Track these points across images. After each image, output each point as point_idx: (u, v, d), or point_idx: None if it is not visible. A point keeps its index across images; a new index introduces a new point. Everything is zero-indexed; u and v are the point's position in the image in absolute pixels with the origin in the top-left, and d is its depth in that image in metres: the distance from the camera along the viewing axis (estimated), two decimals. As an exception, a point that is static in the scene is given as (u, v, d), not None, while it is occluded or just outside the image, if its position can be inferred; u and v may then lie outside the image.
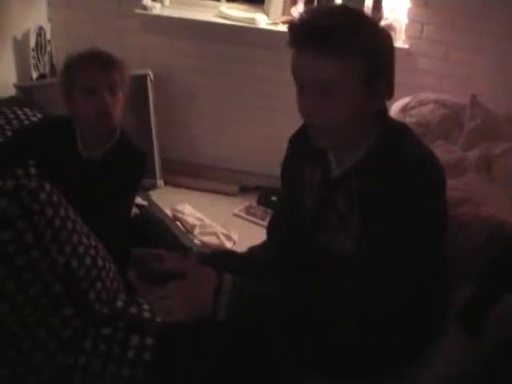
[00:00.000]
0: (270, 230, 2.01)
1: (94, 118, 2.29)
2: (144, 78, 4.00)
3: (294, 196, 1.85)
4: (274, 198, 4.02)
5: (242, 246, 3.50)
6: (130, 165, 2.40)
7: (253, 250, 2.01)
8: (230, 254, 2.03)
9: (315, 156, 1.77)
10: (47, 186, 1.99)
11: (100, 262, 2.14)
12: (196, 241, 3.57)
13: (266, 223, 3.78)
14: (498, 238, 1.97)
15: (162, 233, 2.76)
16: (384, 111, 1.70)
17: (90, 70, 2.27)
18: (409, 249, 1.53)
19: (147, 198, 3.53)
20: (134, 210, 2.74)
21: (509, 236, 1.91)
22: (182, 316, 1.45)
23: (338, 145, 1.69)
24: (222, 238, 3.65)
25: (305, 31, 1.52)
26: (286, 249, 1.89)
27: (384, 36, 1.59)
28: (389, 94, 1.64)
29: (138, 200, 2.77)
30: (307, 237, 1.80)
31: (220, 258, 1.92)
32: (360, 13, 1.62)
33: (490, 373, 1.48)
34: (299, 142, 1.85)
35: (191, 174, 4.27)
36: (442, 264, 1.75)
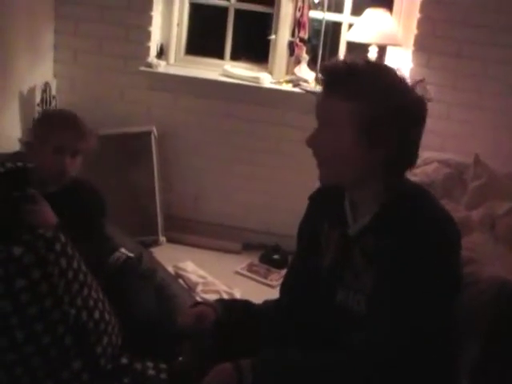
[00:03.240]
0: (284, 288, 1.99)
1: (50, 173, 2.41)
2: (148, 134, 4.04)
3: (311, 253, 1.85)
4: (276, 256, 4.02)
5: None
6: (84, 200, 2.47)
7: (268, 304, 1.98)
8: (247, 306, 1.99)
9: (333, 213, 1.78)
10: (62, 237, 2.03)
11: (107, 317, 2.13)
12: (198, 298, 3.53)
13: (267, 281, 3.84)
14: (504, 297, 1.96)
15: (146, 287, 2.73)
16: (395, 169, 1.68)
17: (66, 134, 2.40)
18: (422, 308, 1.53)
19: (148, 255, 3.50)
20: (119, 257, 2.71)
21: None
22: None
23: (342, 185, 1.71)
24: (225, 295, 3.60)
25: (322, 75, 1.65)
26: (298, 307, 1.87)
27: (398, 91, 1.60)
28: (404, 156, 1.65)
29: (123, 250, 2.75)
30: (323, 294, 1.78)
31: (239, 311, 1.91)
32: (384, 67, 1.67)
33: None
34: (319, 199, 1.87)
35: (194, 231, 4.25)
36: (453, 323, 1.71)
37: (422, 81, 3.48)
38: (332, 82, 1.61)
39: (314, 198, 1.90)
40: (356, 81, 1.57)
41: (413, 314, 1.53)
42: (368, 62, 1.70)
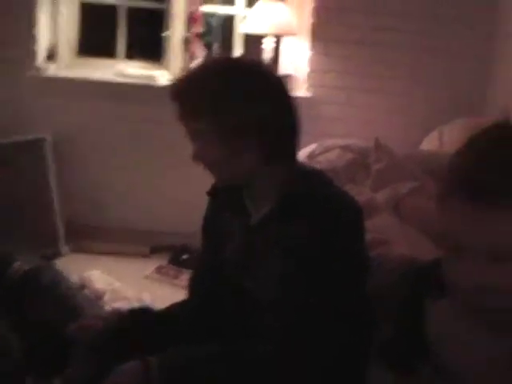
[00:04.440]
0: (193, 284, 1.94)
1: None
2: (42, 141, 3.88)
3: (216, 247, 1.82)
4: (185, 257, 3.95)
5: (155, 307, 3.38)
6: None
7: (173, 307, 1.93)
8: (147, 312, 1.94)
9: (234, 205, 1.76)
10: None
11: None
12: (107, 307, 3.40)
13: (178, 282, 3.74)
14: (411, 275, 1.97)
15: (48, 301, 2.61)
16: (289, 157, 1.67)
17: None
18: (325, 290, 1.54)
19: (51, 267, 3.35)
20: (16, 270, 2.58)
21: (420, 272, 1.88)
22: None
23: (236, 183, 1.70)
24: (134, 301, 3.49)
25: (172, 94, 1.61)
26: (211, 302, 1.84)
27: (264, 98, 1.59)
28: (281, 149, 1.63)
29: (18, 263, 2.63)
30: (233, 286, 1.76)
31: (138, 316, 1.86)
32: (233, 73, 1.62)
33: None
34: (217, 193, 1.82)
35: (99, 237, 4.11)
36: (365, 304, 1.72)
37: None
38: (179, 103, 1.59)
39: (213, 193, 1.86)
40: (200, 97, 1.56)
41: (317, 296, 1.52)
42: (220, 67, 1.65)
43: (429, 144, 3.47)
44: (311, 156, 3.19)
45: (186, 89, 1.59)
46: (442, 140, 3.38)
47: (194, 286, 1.93)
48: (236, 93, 1.57)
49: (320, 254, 1.53)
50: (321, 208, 1.56)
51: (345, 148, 3.20)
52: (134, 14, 4.16)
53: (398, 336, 1.51)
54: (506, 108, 3.29)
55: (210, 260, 1.87)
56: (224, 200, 1.80)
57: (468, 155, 1.15)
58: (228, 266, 1.77)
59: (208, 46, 4.02)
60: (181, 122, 1.62)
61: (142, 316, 1.87)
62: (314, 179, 1.66)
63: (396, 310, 1.67)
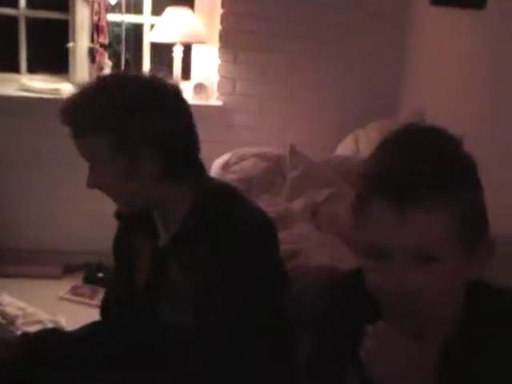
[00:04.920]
0: (105, 308, 1.87)
1: None
2: None
3: (127, 271, 1.77)
4: (100, 275, 3.83)
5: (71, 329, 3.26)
6: None
7: (84, 327, 1.84)
8: (54, 331, 1.90)
9: (143, 227, 1.71)
10: None
11: None
12: (19, 332, 3.26)
13: (95, 301, 3.61)
14: (332, 286, 1.95)
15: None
16: (192, 173, 1.63)
17: None
18: (240, 310, 1.52)
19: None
20: None
21: (341, 283, 1.85)
22: None
23: (144, 208, 1.65)
24: (49, 324, 3.35)
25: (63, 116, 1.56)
26: (124, 327, 1.77)
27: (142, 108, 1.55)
28: (176, 164, 1.59)
29: None
30: (145, 312, 1.71)
31: (43, 336, 1.80)
32: (121, 89, 1.57)
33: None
34: (126, 215, 1.76)
35: (9, 260, 3.93)
36: (284, 319, 1.71)
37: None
38: (69, 123, 1.55)
39: (119, 216, 1.79)
40: (86, 114, 1.53)
41: (232, 316, 1.51)
42: (108, 84, 1.60)
43: (344, 149, 3.48)
44: (226, 166, 3.14)
45: (73, 108, 1.54)
46: (358, 144, 3.39)
47: (105, 310, 1.87)
48: (123, 108, 1.52)
49: (226, 273, 1.51)
50: (224, 226, 1.53)
51: (260, 156, 3.17)
52: (36, 25, 3.99)
53: (321, 352, 1.47)
54: (419, 110, 3.32)
55: (121, 283, 1.81)
56: (134, 221, 1.74)
57: (383, 158, 1.13)
58: (139, 294, 1.72)
59: (116, 56, 3.92)
60: (75, 146, 1.60)
61: (51, 337, 1.79)
62: (219, 196, 1.63)
63: (318, 324, 1.64)
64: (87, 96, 1.55)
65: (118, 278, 1.85)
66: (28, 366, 1.64)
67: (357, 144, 3.46)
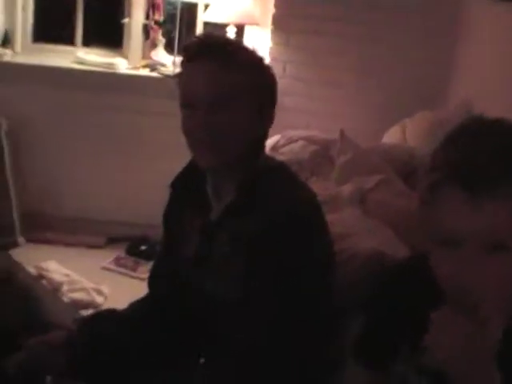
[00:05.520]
0: (153, 281, 1.89)
1: None
2: (-3, 127, 3.77)
3: (176, 243, 1.77)
4: (143, 247, 3.91)
5: (114, 299, 3.35)
6: None
7: (134, 307, 1.86)
8: (109, 316, 1.86)
9: (195, 200, 1.71)
10: None
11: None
12: (65, 298, 3.35)
13: (137, 274, 3.70)
14: (380, 270, 1.96)
15: (5, 293, 2.54)
16: (261, 146, 1.67)
17: None
18: (296, 293, 1.50)
19: (6, 257, 3.27)
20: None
21: (389, 267, 1.88)
22: None
23: (224, 166, 1.61)
24: (92, 292, 3.44)
25: (203, 46, 1.56)
26: (171, 300, 1.79)
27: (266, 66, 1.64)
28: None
29: None
30: (193, 286, 1.71)
31: (99, 323, 1.80)
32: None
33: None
34: (179, 186, 1.77)
35: (55, 228, 4.03)
36: (332, 302, 1.68)
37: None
38: (220, 57, 1.53)
39: (175, 186, 1.80)
40: (243, 53, 1.57)
41: (287, 300, 1.49)
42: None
43: (391, 137, 3.47)
44: (275, 148, 3.16)
45: (224, 43, 1.58)
46: (405, 133, 3.39)
47: (153, 283, 1.89)
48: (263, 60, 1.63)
49: (277, 251, 1.50)
50: (277, 202, 1.53)
51: (308, 139, 3.18)
52: (92, 0, 4.05)
53: (374, 333, 1.51)
54: (467, 101, 3.32)
55: (169, 257, 1.82)
56: (185, 194, 1.75)
57: (454, 149, 1.16)
58: (188, 265, 1.72)
59: (169, 34, 3.97)
60: (207, 82, 1.53)
61: (107, 323, 1.81)
62: (277, 171, 1.64)
63: (366, 305, 1.67)
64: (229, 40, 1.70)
65: (166, 252, 1.86)
66: (87, 354, 1.68)
67: (404, 133, 3.46)
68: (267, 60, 1.64)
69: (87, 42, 4.08)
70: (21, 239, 3.88)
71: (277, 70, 3.76)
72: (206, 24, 3.96)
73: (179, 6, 3.86)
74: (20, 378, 1.59)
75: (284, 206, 1.53)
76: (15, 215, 3.86)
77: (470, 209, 1.09)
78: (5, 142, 3.80)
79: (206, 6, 3.89)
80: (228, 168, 1.59)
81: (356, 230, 2.27)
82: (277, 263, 1.50)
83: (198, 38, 1.64)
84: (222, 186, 1.65)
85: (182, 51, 1.62)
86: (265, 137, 1.66)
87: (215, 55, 1.52)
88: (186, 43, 1.63)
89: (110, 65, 3.82)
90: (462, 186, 1.09)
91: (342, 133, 2.98)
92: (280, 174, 1.64)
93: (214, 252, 1.63)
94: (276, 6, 3.80)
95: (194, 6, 4.04)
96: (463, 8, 3.77)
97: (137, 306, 1.85)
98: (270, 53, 3.79)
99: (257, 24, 3.79)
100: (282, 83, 3.84)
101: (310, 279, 1.53)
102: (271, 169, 1.64)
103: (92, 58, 3.89)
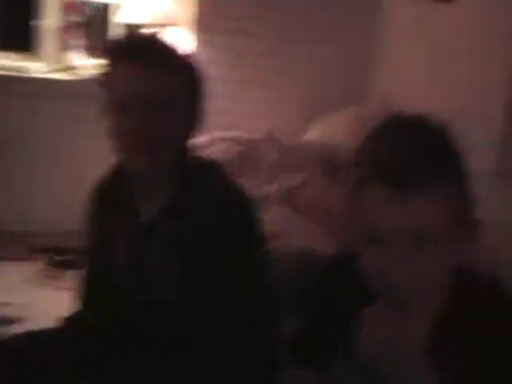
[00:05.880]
0: (84, 290, 1.82)
1: None
2: None
3: (104, 249, 1.73)
4: (64, 258, 3.79)
5: (38, 312, 3.22)
6: None
7: (69, 322, 1.79)
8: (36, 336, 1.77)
9: (121, 204, 1.67)
10: None
11: None
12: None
13: (61, 284, 3.57)
14: (313, 266, 1.98)
15: None
16: (189, 147, 1.65)
17: None
18: (228, 303, 1.52)
19: None
20: None
21: (322, 264, 1.88)
22: None
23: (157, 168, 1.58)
24: (18, 307, 3.31)
25: (132, 47, 1.55)
26: (106, 307, 1.74)
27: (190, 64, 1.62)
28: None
29: None
30: (123, 289, 1.68)
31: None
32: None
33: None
34: (103, 191, 1.73)
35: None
36: (267, 301, 1.69)
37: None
38: (151, 57, 1.51)
39: (98, 191, 1.76)
40: (174, 54, 1.55)
41: (221, 303, 1.50)
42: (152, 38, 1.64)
43: (314, 134, 3.50)
44: (200, 149, 3.12)
45: (153, 44, 1.55)
46: (327, 130, 3.42)
47: (85, 293, 1.82)
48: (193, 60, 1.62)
49: (210, 254, 1.49)
50: (208, 207, 1.52)
51: (234, 140, 3.17)
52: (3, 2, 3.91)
53: (311, 332, 1.49)
54: (387, 96, 3.37)
55: (97, 264, 1.78)
56: (110, 199, 1.71)
57: (377, 147, 1.18)
58: (119, 269, 1.69)
59: (87, 36, 3.87)
60: (141, 82, 1.50)
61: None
62: (210, 169, 1.63)
63: (298, 303, 1.67)
64: (156, 41, 1.58)
65: (94, 259, 1.81)
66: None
67: (326, 130, 3.49)
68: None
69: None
70: None
71: (200, 71, 3.77)
72: (127, 26, 3.87)
73: (94, 7, 3.77)
74: None
75: (215, 208, 1.52)
76: None
77: (396, 205, 1.10)
78: None
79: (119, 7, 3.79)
80: (158, 170, 1.56)
81: (286, 228, 2.29)
82: (210, 266, 1.49)
83: (125, 38, 1.68)
84: (152, 189, 1.61)
85: (109, 52, 1.58)
86: (191, 138, 1.64)
87: (146, 55, 1.50)
88: (112, 43, 1.63)
89: (23, 68, 3.69)
90: (388, 182, 1.10)
91: (269, 132, 2.99)
92: (211, 173, 1.62)
93: (144, 255, 1.61)
94: (198, 5, 3.76)
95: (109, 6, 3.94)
96: (381, 4, 3.82)
97: (71, 323, 1.78)
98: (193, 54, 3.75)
99: (177, 24, 3.73)
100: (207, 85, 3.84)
101: (245, 280, 1.53)
102: (202, 169, 1.62)
103: (2, 62, 3.75)
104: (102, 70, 1.57)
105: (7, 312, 3.25)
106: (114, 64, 1.55)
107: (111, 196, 1.70)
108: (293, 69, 3.90)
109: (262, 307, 1.63)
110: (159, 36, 1.64)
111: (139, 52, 1.51)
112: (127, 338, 1.69)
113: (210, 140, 3.21)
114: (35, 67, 3.73)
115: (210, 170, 1.63)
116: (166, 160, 1.56)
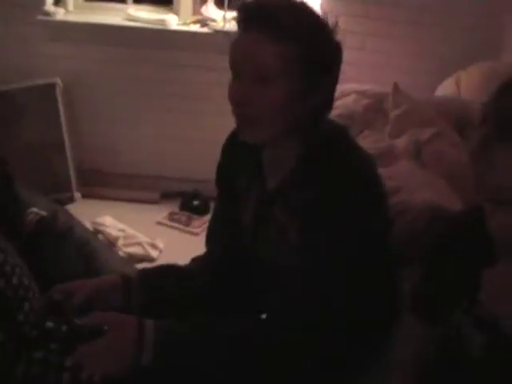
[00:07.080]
0: (210, 239, 1.89)
1: None
2: (52, 86, 3.83)
3: (230, 206, 1.76)
4: (196, 203, 3.95)
5: (168, 254, 3.42)
6: None
7: (196, 262, 1.87)
8: (170, 270, 1.85)
9: (250, 167, 1.66)
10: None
11: (26, 282, 1.98)
12: (120, 252, 3.43)
13: (190, 228, 3.76)
14: (438, 221, 1.95)
15: (65, 246, 2.59)
16: (320, 114, 1.56)
17: None
18: (352, 258, 1.47)
19: (64, 212, 3.34)
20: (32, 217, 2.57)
21: (449, 219, 1.86)
22: (109, 370, 1.37)
23: (268, 142, 1.56)
24: (147, 247, 3.52)
25: (248, 12, 1.44)
26: (229, 260, 1.80)
27: (326, 30, 1.50)
28: (328, 97, 1.55)
29: (35, 209, 2.60)
30: (249, 251, 1.72)
31: (161, 277, 1.79)
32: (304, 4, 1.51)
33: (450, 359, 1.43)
34: (233, 150, 1.73)
35: (110, 183, 4.11)
36: (390, 255, 1.67)
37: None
38: (262, 22, 1.40)
39: (228, 149, 1.77)
40: (289, 19, 1.40)
41: (346, 261, 1.46)
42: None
43: (445, 90, 3.42)
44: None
45: (275, 10, 1.41)
46: (459, 86, 3.33)
47: (210, 243, 1.89)
48: (325, 28, 1.49)
49: (334, 224, 1.45)
50: (341, 173, 1.48)
51: (361, 93, 3.14)
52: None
53: (426, 283, 1.50)
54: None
55: (225, 215, 1.82)
56: (239, 159, 1.70)
57: (507, 100, 1.14)
58: (245, 231, 1.71)
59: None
60: (247, 53, 1.43)
61: (168, 276, 1.80)
62: (335, 139, 1.56)
63: (421, 258, 1.67)
64: (285, 4, 1.45)
65: (221, 211, 1.86)
66: (143, 304, 1.69)
67: (458, 86, 3.40)
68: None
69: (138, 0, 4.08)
70: (77, 195, 3.97)
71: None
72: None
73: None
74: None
75: (341, 179, 1.47)
76: (71, 171, 3.95)
77: None
78: (60, 101, 3.86)
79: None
80: (282, 140, 1.53)
81: (410, 182, 2.26)
82: (332, 235, 1.45)
83: (248, 5, 1.46)
84: (278, 158, 1.59)
85: (237, 11, 1.49)
86: (323, 104, 1.53)
87: (266, 24, 1.40)
88: (241, 3, 1.46)
89: (161, 21, 3.81)
90: None
91: (395, 86, 2.95)
92: (338, 145, 1.55)
93: (270, 221, 1.61)
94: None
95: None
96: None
97: (197, 264, 1.85)
98: (321, 5, 3.74)
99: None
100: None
101: (365, 252, 1.48)
102: (330, 139, 1.55)
103: (143, 14, 3.88)
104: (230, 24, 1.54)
105: (139, 251, 3.47)
106: (237, 25, 1.47)
107: (238, 154, 1.70)
108: (423, 21, 3.81)
109: (383, 261, 1.60)
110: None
111: (258, 19, 1.41)
112: (249, 294, 1.76)
113: (339, 92, 3.20)
114: (172, 19, 3.83)
115: (337, 141, 1.56)
116: (278, 134, 1.50)
